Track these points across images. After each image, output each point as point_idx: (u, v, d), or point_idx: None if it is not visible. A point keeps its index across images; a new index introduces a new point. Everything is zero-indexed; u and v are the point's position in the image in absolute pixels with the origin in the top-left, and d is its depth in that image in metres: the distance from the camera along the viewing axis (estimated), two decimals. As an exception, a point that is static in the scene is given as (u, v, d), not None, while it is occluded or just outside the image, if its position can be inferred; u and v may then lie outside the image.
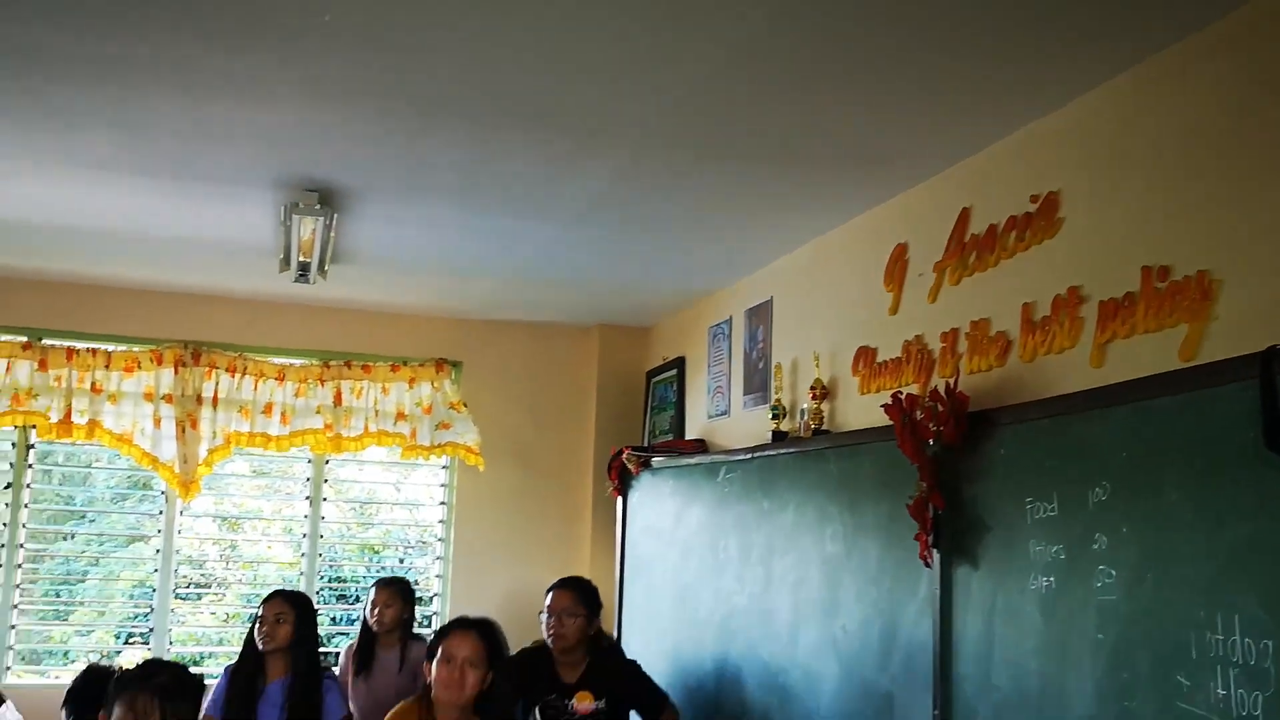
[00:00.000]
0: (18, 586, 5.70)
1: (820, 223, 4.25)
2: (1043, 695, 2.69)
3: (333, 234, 4.26)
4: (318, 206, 4.00)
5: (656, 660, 5.05)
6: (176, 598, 6.15)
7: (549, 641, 4.22)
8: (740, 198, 3.98)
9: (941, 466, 3.10)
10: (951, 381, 3.15)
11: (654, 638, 5.20)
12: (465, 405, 6.24)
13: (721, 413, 5.26)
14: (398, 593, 5.08)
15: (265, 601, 4.37)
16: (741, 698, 4.32)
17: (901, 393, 3.33)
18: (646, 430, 6.22)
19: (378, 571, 6.34)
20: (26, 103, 3.27)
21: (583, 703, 4.12)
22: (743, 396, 5.04)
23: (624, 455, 5.56)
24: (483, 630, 3.43)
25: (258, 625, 4.29)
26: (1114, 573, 2.49)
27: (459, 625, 3.46)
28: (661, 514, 5.26)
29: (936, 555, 3.11)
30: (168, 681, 2.89)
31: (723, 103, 3.10)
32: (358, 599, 6.70)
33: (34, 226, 4.67)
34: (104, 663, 4.08)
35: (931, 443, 3.12)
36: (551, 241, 4.66)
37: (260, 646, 4.24)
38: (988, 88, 2.94)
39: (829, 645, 3.71)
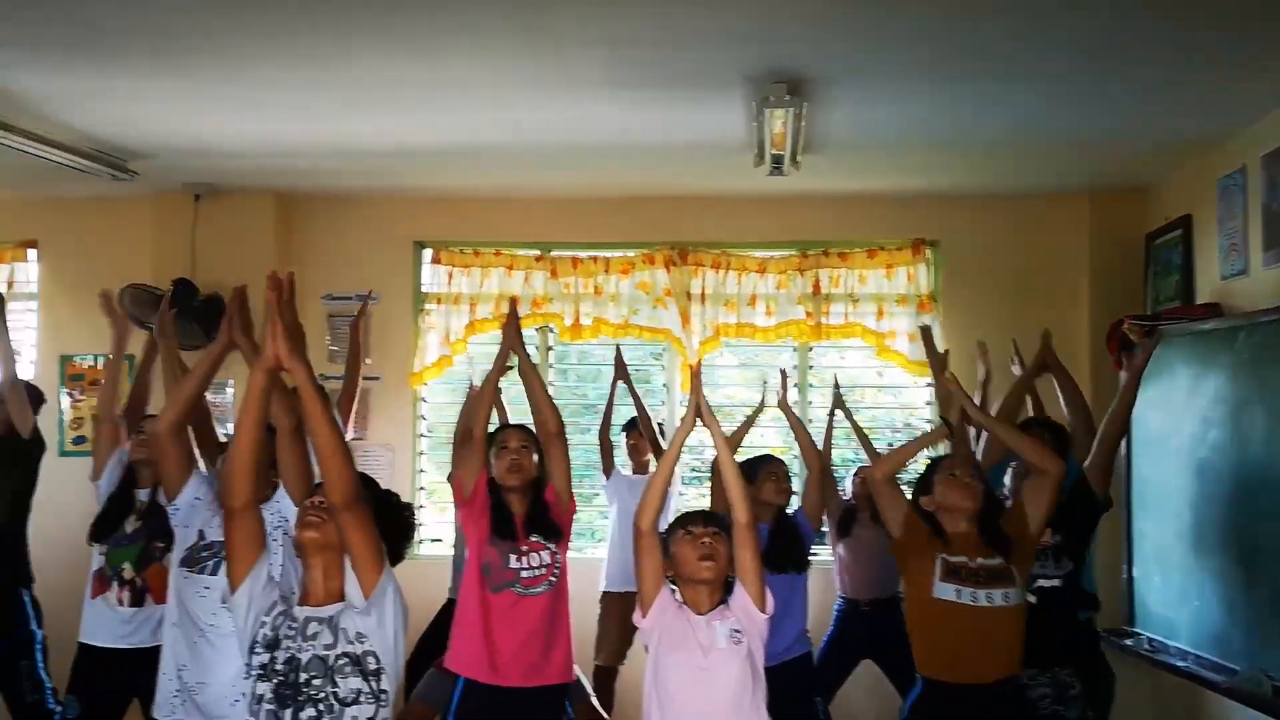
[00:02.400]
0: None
1: (1357, 43, 3.65)
2: None
3: (803, 124, 4.28)
4: (787, 98, 4.03)
5: (1171, 540, 4.73)
6: (684, 483, 6.61)
7: None
8: (1254, 17, 3.49)
9: None
10: None
11: (1169, 516, 4.86)
12: (935, 299, 6.11)
13: (1237, 273, 4.75)
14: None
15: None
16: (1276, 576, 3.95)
17: None
18: (1149, 298, 5.75)
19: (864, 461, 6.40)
20: (523, 31, 3.56)
21: None
22: (1262, 254, 4.52)
23: (1124, 325, 5.18)
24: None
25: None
26: None
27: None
28: (1172, 386, 4.86)
29: None
30: None
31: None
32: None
33: (533, 147, 5.11)
34: None
35: None
36: (1032, 104, 4.39)
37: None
38: None
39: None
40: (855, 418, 5.13)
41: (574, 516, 3.94)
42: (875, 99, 4.30)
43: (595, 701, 4.58)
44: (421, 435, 6.42)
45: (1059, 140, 4.98)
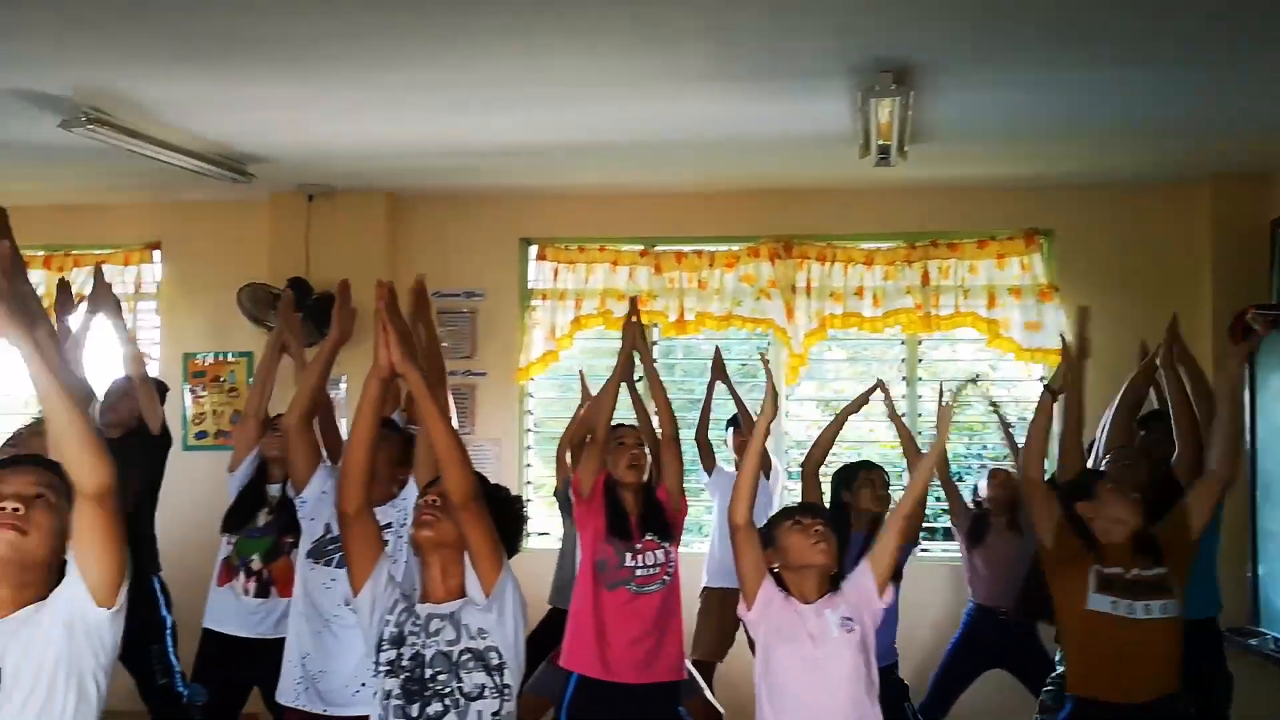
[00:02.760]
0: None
1: None
2: None
3: (910, 113, 4.22)
4: (893, 86, 3.97)
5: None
6: (789, 478, 6.57)
7: None
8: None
9: None
10: None
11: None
12: (1057, 289, 5.97)
13: (1372, 259, 4.55)
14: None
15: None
16: None
17: None
18: (1275, 287, 5.54)
19: (979, 451, 6.30)
20: (627, 26, 3.58)
21: None
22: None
23: (1248, 315, 4.99)
24: None
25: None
26: None
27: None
28: (1299, 379, 4.69)
29: None
30: None
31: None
32: (961, 478, 6.71)
33: (637, 142, 5.13)
34: None
35: None
36: (1149, 90, 4.26)
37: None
38: None
39: None
40: (1007, 420, 5.06)
41: (685, 516, 3.97)
42: (985, 86, 4.22)
43: (710, 695, 4.58)
44: (528, 430, 6.50)
45: (1178, 126, 4.83)
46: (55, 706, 2.09)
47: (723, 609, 4.90)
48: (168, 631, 4.79)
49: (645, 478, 3.84)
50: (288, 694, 3.55)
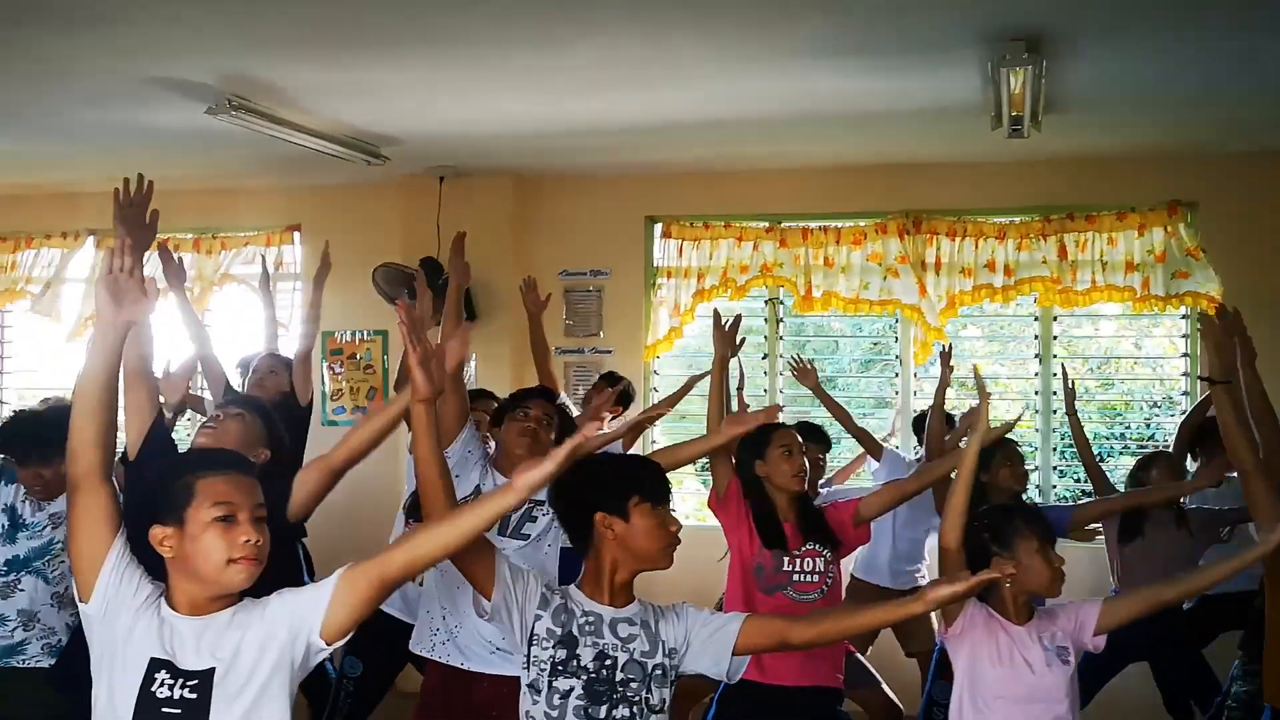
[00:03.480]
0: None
1: None
2: None
3: (1043, 82, 4.11)
4: (1025, 55, 3.87)
5: None
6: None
7: None
8: None
9: None
10: None
11: None
12: (1204, 251, 5.73)
13: None
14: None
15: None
16: None
17: None
18: None
19: (1122, 431, 6.10)
20: (750, 2, 3.56)
21: None
22: None
23: None
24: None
25: None
26: None
27: None
28: None
29: None
30: None
31: None
32: (1103, 458, 6.52)
33: (761, 119, 5.10)
34: None
35: None
36: (1299, 51, 4.06)
37: None
38: None
39: None
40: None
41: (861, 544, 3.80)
42: (1122, 54, 4.08)
43: (887, 689, 4.39)
44: (653, 407, 6.54)
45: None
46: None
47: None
48: None
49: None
50: (424, 643, 3.53)
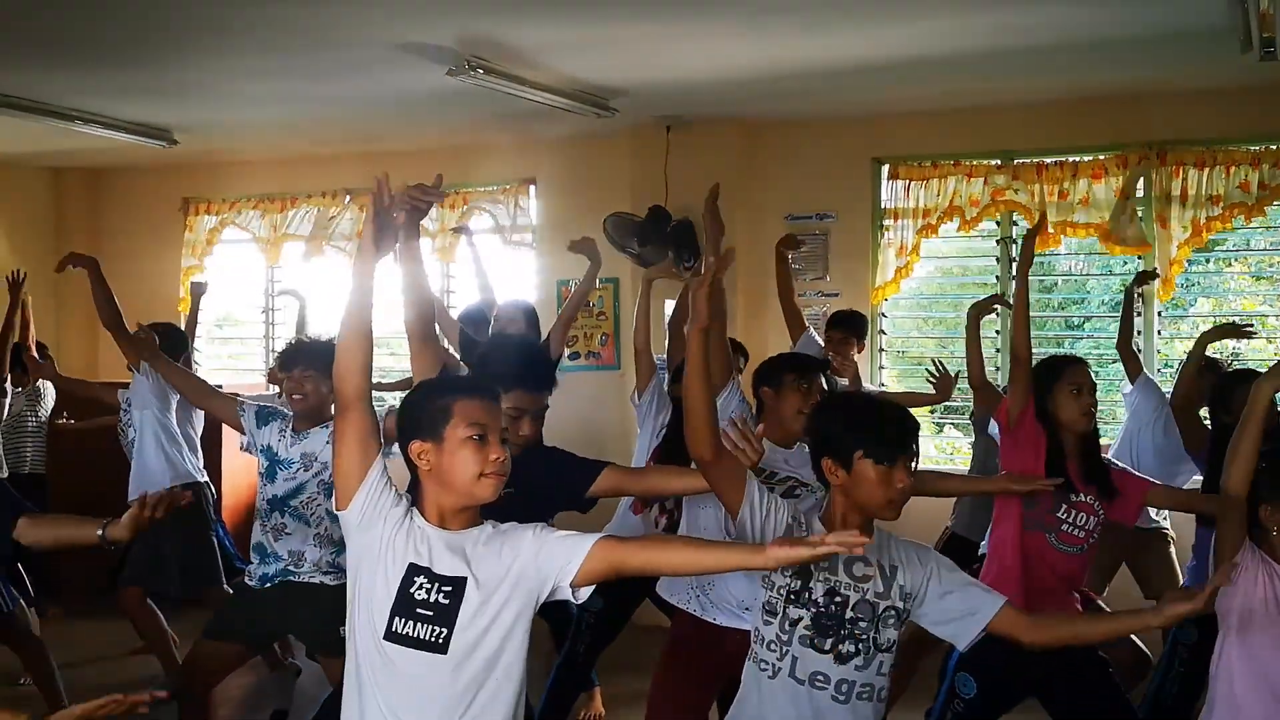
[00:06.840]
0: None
1: None
2: None
3: (1299, -2, 3.87)
4: (1278, -30, 3.66)
5: None
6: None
7: None
8: None
9: None
10: None
11: None
12: None
13: None
14: None
15: None
16: None
17: None
18: None
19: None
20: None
21: None
22: None
23: None
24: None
25: None
26: None
27: None
28: None
29: None
30: None
31: None
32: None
33: (989, 52, 5.02)
34: None
35: None
36: None
37: None
38: None
39: None
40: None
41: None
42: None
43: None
44: (880, 350, 6.52)
45: None
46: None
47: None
48: None
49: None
50: (677, 594, 3.61)
